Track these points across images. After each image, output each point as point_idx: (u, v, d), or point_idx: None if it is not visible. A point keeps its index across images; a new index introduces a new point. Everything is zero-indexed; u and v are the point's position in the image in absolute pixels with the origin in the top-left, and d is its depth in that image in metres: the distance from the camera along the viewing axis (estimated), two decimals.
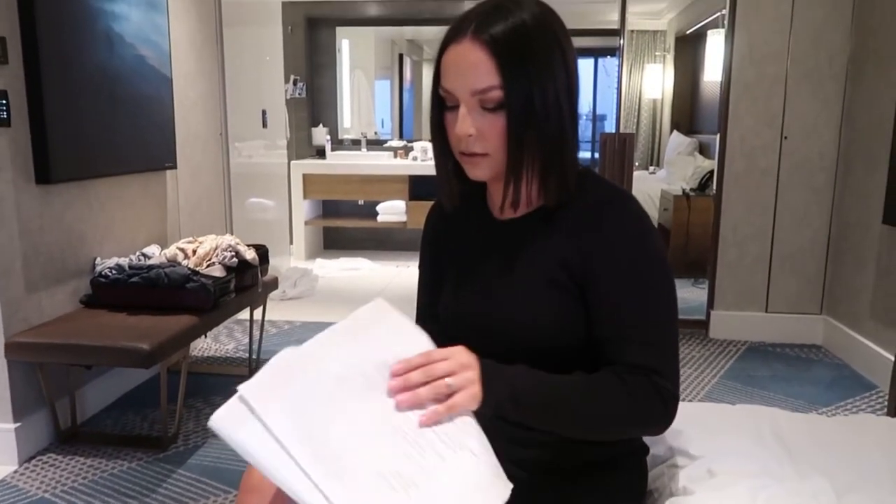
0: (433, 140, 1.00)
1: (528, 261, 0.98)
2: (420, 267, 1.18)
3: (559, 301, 0.94)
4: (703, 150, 5.25)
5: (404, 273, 4.87)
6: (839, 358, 3.13)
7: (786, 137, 3.24)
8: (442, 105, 0.94)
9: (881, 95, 2.84)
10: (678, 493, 1.05)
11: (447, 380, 0.80)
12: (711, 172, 4.34)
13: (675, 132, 5.85)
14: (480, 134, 0.91)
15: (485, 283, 1.01)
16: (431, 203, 1.18)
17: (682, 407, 1.25)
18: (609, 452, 0.99)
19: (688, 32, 5.56)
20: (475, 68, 0.88)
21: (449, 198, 1.04)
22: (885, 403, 2.58)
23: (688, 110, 5.91)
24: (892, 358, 2.36)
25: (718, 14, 4.51)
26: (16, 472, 2.10)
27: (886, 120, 2.75)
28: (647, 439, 1.10)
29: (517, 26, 0.88)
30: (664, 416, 0.90)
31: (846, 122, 3.16)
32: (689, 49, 5.78)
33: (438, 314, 1.08)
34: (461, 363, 0.82)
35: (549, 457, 0.97)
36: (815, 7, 3.13)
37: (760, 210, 3.31)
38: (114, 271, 2.38)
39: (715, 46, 4.73)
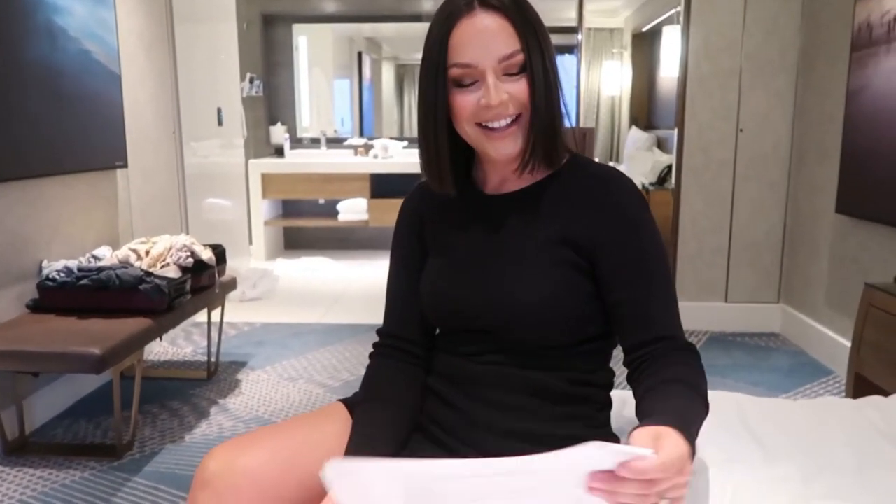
0: (430, 128, 0.96)
1: (530, 238, 0.96)
2: (395, 265, 1.09)
3: (566, 278, 0.94)
4: (661, 144, 5.32)
5: (367, 272, 4.82)
6: (797, 345, 3.20)
7: (741, 130, 3.29)
8: (445, 88, 0.92)
9: (831, 88, 2.91)
10: None
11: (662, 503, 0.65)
12: (670, 167, 4.40)
13: (633, 128, 5.91)
14: (511, 98, 0.91)
15: (485, 264, 0.98)
16: (393, 200, 1.13)
17: None
18: (589, 428, 0.98)
19: (644, 29, 5.63)
20: (498, 35, 0.89)
21: (447, 185, 1.00)
22: (842, 388, 2.64)
23: (645, 106, 5.99)
24: (848, 344, 2.41)
25: (673, 11, 4.57)
26: None
27: (837, 112, 2.82)
28: (613, 423, 1.09)
29: None
30: None
31: (798, 114, 3.23)
32: (645, 46, 5.85)
33: (422, 301, 1.03)
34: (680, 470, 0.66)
35: (531, 422, 0.96)
36: (766, 2, 3.18)
37: (718, 202, 3.36)
38: (62, 274, 2.29)
39: (670, 43, 4.79)
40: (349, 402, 1.05)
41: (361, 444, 0.94)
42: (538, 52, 0.91)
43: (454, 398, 0.99)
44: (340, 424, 0.99)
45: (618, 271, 0.93)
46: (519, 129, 0.93)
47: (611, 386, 1.04)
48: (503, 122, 0.92)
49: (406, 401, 1.02)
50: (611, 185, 0.96)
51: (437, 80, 0.92)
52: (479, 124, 0.93)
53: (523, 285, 0.94)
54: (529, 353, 0.95)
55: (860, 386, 2.15)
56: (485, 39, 0.89)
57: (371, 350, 1.09)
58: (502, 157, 0.94)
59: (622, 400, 1.20)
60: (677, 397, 0.82)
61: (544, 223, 0.96)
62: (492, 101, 0.89)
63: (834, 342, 2.87)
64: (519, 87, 0.91)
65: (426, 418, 1.03)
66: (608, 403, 1.03)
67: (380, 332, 1.10)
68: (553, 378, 0.96)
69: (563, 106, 0.96)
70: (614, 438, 1.06)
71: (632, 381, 0.93)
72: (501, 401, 0.96)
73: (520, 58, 0.90)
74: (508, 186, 1.01)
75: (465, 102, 0.92)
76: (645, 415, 0.81)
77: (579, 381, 0.97)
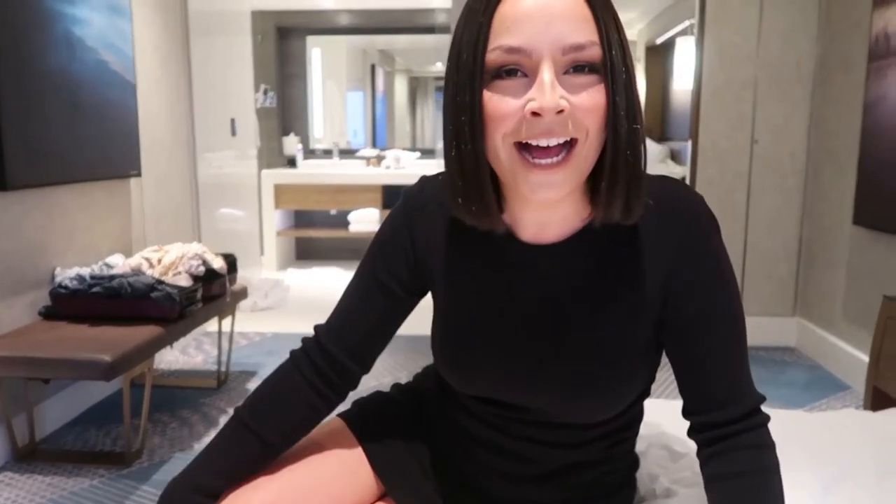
0: (464, 137, 0.68)
1: (595, 309, 0.75)
2: (367, 280, 0.87)
3: (639, 361, 0.77)
4: (675, 156, 5.30)
5: None
6: (813, 359, 3.14)
7: (756, 141, 3.26)
8: (478, 82, 0.66)
9: (848, 98, 2.88)
10: (662, 494, 1.01)
11: None
12: (684, 179, 4.37)
13: (646, 139, 5.90)
14: (572, 110, 0.65)
15: (535, 341, 0.78)
16: None
17: (664, 405, 1.22)
18: (611, 481, 0.91)
19: (657, 42, 5.62)
20: (567, 15, 0.64)
21: (492, 216, 0.73)
22: (860, 403, 2.59)
23: (659, 118, 5.97)
24: (865, 358, 2.37)
25: (688, 23, 4.56)
26: None
27: (854, 122, 2.79)
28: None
29: None
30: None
31: (814, 124, 3.20)
32: (658, 58, 5.84)
33: (440, 368, 0.86)
34: None
35: (548, 492, 0.89)
36: (782, 12, 3.17)
37: (733, 214, 3.33)
38: (74, 281, 2.29)
39: (684, 54, 4.78)
40: (349, 418, 0.97)
41: (215, 470, 0.82)
42: (620, 50, 0.66)
43: (474, 468, 0.89)
44: (347, 456, 0.90)
45: (697, 328, 0.75)
46: (571, 163, 0.67)
47: (640, 422, 0.93)
48: (553, 142, 0.66)
49: (283, 446, 0.86)
50: (684, 214, 0.75)
51: (473, 69, 0.66)
52: (519, 144, 0.67)
53: (587, 378, 0.75)
54: (569, 427, 0.82)
55: (879, 400, 2.10)
56: (548, 16, 0.64)
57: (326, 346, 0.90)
58: (541, 200, 0.70)
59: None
60: None
61: (609, 284, 0.76)
62: (545, 103, 0.63)
63: (851, 356, 2.82)
64: (585, 99, 0.65)
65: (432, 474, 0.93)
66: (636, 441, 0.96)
67: (317, 329, 0.90)
68: (589, 451, 0.85)
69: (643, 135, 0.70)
70: (633, 457, 1.00)
71: (707, 469, 0.78)
72: (527, 476, 0.86)
73: (595, 52, 0.65)
74: (551, 231, 0.76)
75: (501, 107, 0.65)
76: None
77: (617, 440, 0.87)
